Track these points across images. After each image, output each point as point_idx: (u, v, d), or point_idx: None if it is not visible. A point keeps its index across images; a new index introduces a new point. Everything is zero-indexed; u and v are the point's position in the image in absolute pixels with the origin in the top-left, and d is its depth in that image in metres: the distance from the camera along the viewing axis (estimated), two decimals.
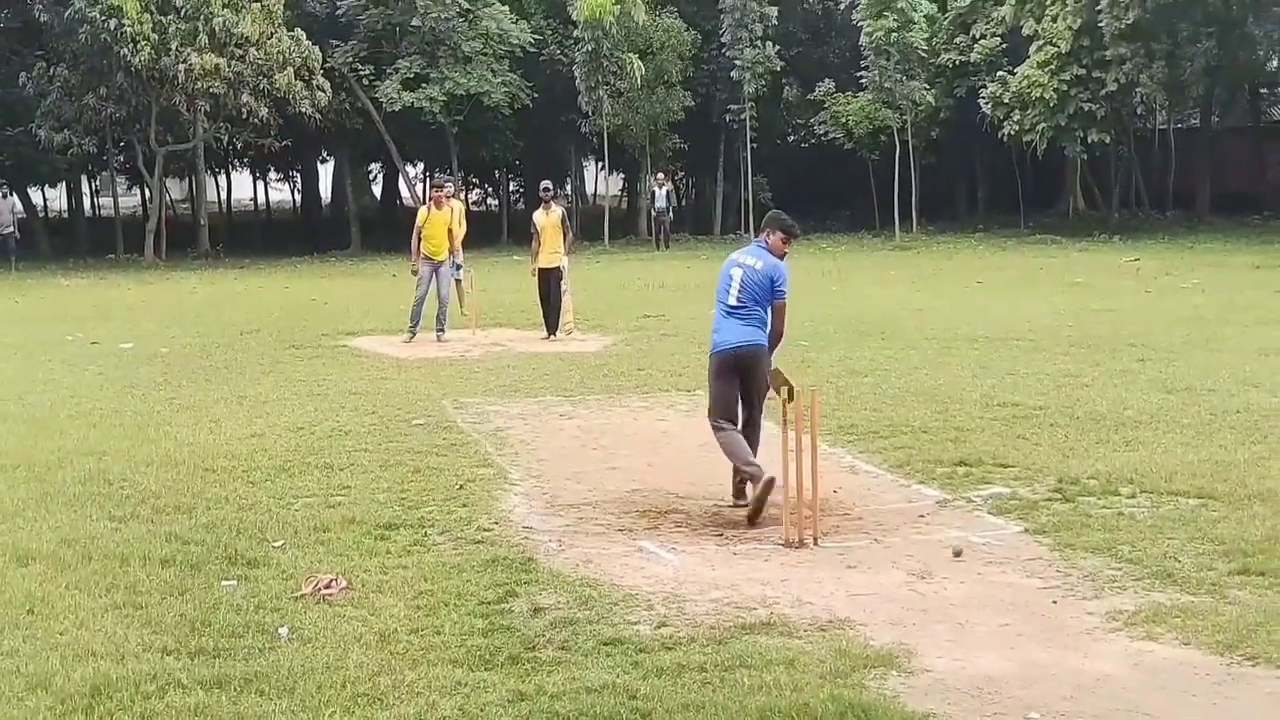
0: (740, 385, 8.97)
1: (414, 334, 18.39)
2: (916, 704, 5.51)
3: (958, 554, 7.61)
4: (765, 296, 8.89)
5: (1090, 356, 15.30)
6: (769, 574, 7.38)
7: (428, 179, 48.48)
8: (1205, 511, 8.39)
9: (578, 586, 7.10)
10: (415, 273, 18.68)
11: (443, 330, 18.54)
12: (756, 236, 9.49)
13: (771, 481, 8.33)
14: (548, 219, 18.88)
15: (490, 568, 7.44)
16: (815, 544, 7.94)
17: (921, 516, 8.60)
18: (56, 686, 5.72)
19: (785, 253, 9.09)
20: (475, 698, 5.60)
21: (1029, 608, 6.74)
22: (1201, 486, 8.95)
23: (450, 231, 18.86)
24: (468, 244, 20.75)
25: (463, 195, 47.44)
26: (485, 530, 8.29)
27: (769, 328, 8.96)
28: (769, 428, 9.24)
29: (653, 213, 41.72)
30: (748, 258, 9.05)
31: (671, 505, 8.98)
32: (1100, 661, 5.98)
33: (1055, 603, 6.80)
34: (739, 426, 8.95)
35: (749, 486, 8.75)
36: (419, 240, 18.65)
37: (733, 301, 8.95)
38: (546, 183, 20.19)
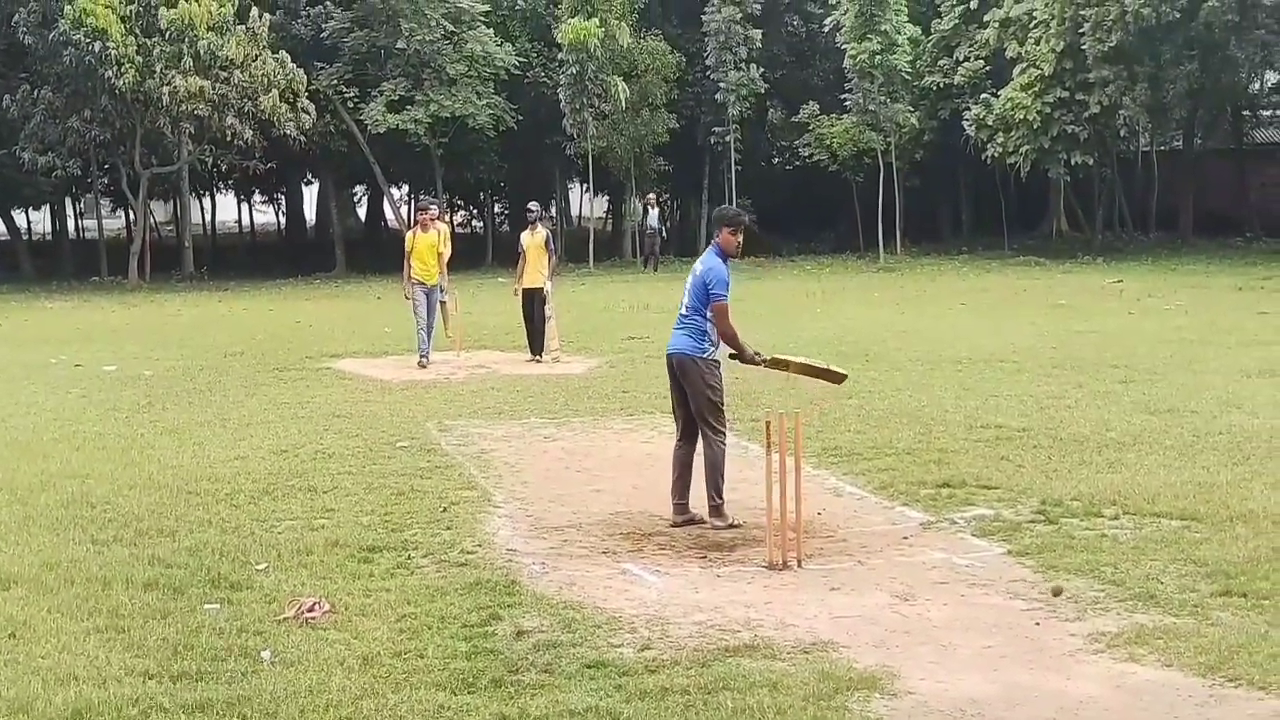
0: (680, 391, 9.17)
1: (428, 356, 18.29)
2: None
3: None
4: (704, 300, 9.01)
5: (1073, 378, 15.34)
6: (753, 596, 7.38)
7: (412, 201, 48.45)
8: (1188, 533, 8.41)
9: (561, 609, 7.09)
10: (409, 298, 18.56)
11: (425, 355, 18.45)
12: None
13: (679, 522, 8.98)
14: (533, 240, 18.89)
15: (474, 591, 7.43)
16: (799, 566, 7.94)
17: (905, 538, 8.61)
18: (38, 711, 5.70)
19: (738, 243, 9.21)
20: None
21: (1012, 630, 6.75)
22: (1184, 508, 8.97)
23: (439, 254, 18.74)
24: (453, 265, 20.71)
25: (447, 217, 47.43)
26: (469, 553, 8.28)
27: (714, 332, 9.04)
28: (750, 449, 9.25)
29: (646, 233, 41.76)
30: (698, 263, 9.21)
31: (655, 528, 8.98)
32: (1083, 683, 5.99)
33: (1038, 624, 6.81)
34: (688, 441, 9.17)
35: (725, 507, 8.94)
36: (409, 265, 18.53)
37: (682, 310, 9.17)
38: (533, 204, 20.31)
